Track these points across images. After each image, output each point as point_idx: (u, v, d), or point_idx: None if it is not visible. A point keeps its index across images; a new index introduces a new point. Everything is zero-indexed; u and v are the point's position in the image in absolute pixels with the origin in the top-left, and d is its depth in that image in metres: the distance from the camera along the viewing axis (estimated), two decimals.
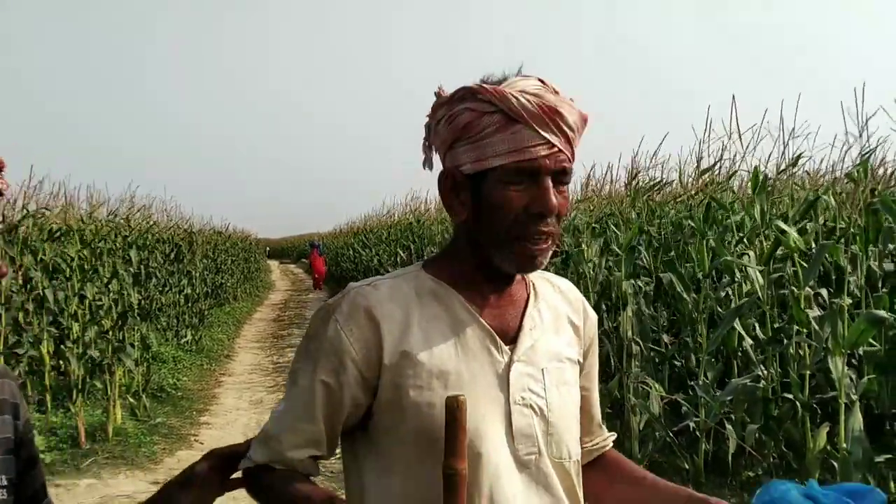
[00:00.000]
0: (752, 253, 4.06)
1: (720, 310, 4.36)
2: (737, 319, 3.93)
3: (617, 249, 4.88)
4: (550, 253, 1.19)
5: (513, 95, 1.12)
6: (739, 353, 4.21)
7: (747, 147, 4.28)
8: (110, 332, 6.36)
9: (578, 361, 1.27)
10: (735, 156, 4.47)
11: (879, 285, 3.84)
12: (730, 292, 4.35)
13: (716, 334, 3.93)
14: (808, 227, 4.13)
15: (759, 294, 3.82)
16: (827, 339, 3.30)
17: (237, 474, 1.23)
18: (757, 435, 3.74)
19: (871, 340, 3.40)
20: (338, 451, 1.25)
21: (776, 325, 3.89)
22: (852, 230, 3.79)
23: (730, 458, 3.94)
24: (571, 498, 1.20)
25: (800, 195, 4.88)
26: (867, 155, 3.81)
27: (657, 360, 4.60)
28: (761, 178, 4.00)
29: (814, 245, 3.71)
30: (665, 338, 4.80)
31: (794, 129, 4.09)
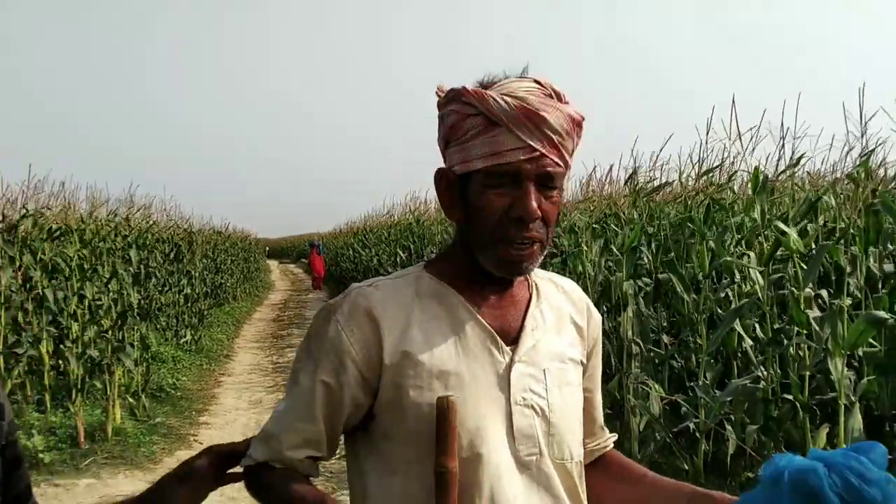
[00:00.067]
0: (752, 254, 4.06)
1: (720, 311, 4.36)
2: (737, 320, 3.93)
3: (616, 250, 4.88)
4: (539, 258, 1.18)
5: (493, 98, 1.12)
6: (739, 354, 4.21)
7: (747, 148, 4.28)
8: (110, 332, 6.36)
9: (581, 362, 1.27)
10: (735, 156, 4.47)
11: (879, 286, 3.84)
12: (730, 293, 4.35)
13: (716, 335, 3.93)
14: (808, 228, 4.13)
15: (759, 295, 3.82)
16: (827, 339, 3.30)
17: (235, 470, 1.23)
18: (756, 436, 3.73)
19: (870, 341, 3.40)
20: (341, 451, 1.25)
21: (776, 326, 3.89)
22: (852, 231, 3.79)
23: (729, 458, 3.94)
24: (573, 499, 1.20)
25: (800, 196, 4.88)
26: (867, 156, 3.81)
27: (657, 360, 4.60)
28: (761, 178, 4.00)
29: (814, 246, 3.71)
30: (665, 338, 4.80)
31: (794, 129, 4.08)
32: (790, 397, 3.65)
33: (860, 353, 3.57)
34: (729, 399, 3.79)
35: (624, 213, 5.45)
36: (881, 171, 4.50)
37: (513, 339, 1.19)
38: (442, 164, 1.22)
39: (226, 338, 11.31)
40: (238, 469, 1.22)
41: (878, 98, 3.63)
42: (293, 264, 39.28)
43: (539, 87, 1.15)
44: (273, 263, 36.84)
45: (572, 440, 1.20)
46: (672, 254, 4.85)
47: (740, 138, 4.28)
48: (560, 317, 1.26)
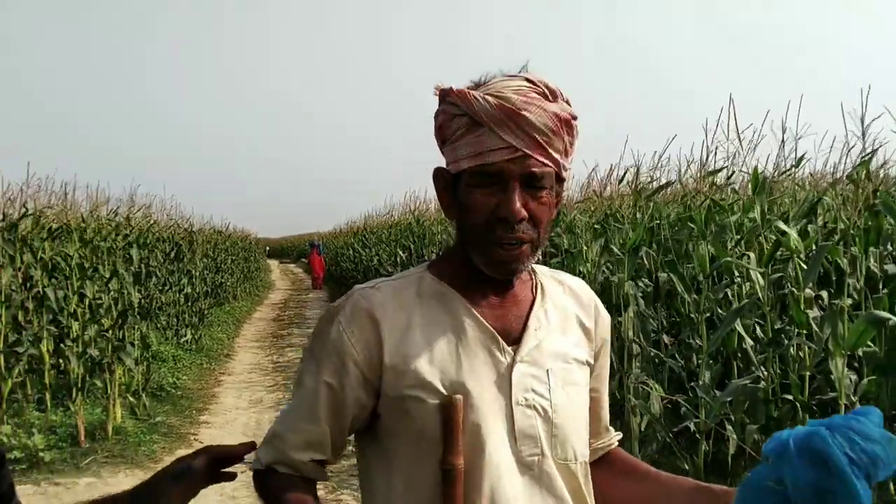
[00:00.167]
0: (751, 254, 4.06)
1: (720, 311, 4.36)
2: (737, 320, 3.93)
3: (617, 251, 4.88)
4: (531, 258, 1.17)
5: (475, 98, 1.11)
6: (739, 355, 4.21)
7: (748, 148, 4.28)
8: (110, 331, 6.36)
9: (587, 362, 1.26)
10: (735, 156, 4.47)
11: (880, 287, 3.84)
12: (729, 294, 4.35)
13: (716, 335, 3.93)
14: (808, 228, 4.13)
15: (760, 295, 3.82)
16: (827, 340, 3.30)
17: (234, 468, 1.24)
18: (757, 436, 3.73)
19: (869, 342, 3.40)
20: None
21: (776, 327, 3.89)
22: (852, 231, 3.79)
23: (730, 458, 3.94)
24: (578, 500, 1.19)
25: (800, 196, 4.88)
26: (868, 156, 3.81)
27: (657, 360, 4.61)
28: (761, 178, 4.00)
29: (814, 247, 3.71)
30: (665, 339, 4.80)
31: (796, 130, 4.09)
32: (790, 397, 3.66)
33: (860, 354, 3.58)
34: (729, 399, 3.80)
35: (625, 214, 5.45)
36: (881, 172, 4.51)
37: (515, 339, 1.18)
38: (441, 163, 1.22)
39: (226, 337, 11.31)
40: (231, 469, 1.22)
41: (877, 98, 3.64)
42: (293, 264, 39.29)
43: (530, 85, 1.14)
44: (273, 263, 36.86)
45: (576, 441, 1.20)
46: (672, 254, 4.85)
47: (740, 138, 4.28)
48: (566, 317, 1.25)
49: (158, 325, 9.05)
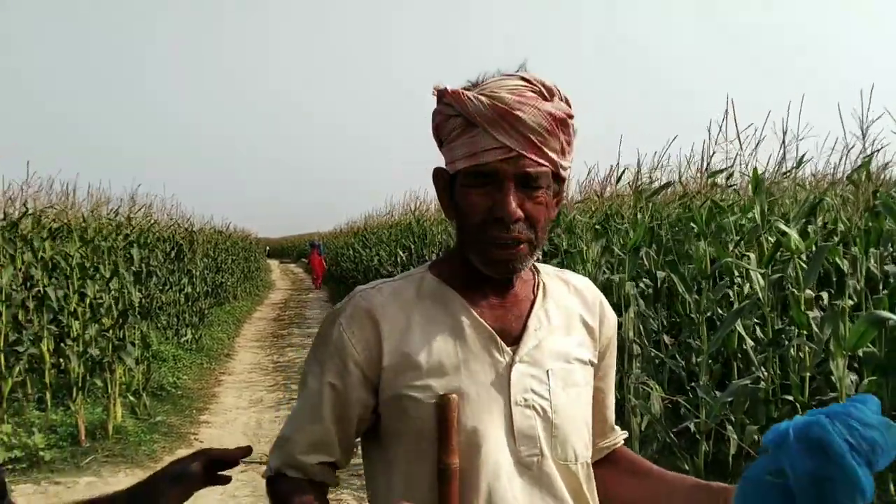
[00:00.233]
0: (752, 255, 4.06)
1: (720, 311, 4.36)
2: (738, 321, 3.93)
3: (619, 251, 4.88)
4: (528, 258, 1.16)
5: (468, 98, 1.11)
6: (739, 355, 4.21)
7: (748, 149, 4.28)
8: (111, 331, 6.37)
9: (591, 362, 1.25)
10: (736, 157, 4.47)
11: (880, 287, 3.84)
12: (730, 294, 4.35)
13: (716, 336, 3.93)
14: (808, 229, 4.13)
15: (760, 296, 3.82)
16: (828, 340, 3.30)
17: (230, 471, 1.25)
18: (757, 436, 3.73)
19: (870, 342, 3.40)
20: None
21: (777, 327, 3.90)
22: (852, 232, 3.79)
23: (730, 459, 3.94)
24: (579, 501, 1.19)
25: (801, 196, 4.88)
26: (869, 157, 3.81)
27: (657, 361, 4.61)
28: (761, 179, 4.00)
29: (813, 247, 3.71)
30: (665, 339, 4.80)
31: (798, 131, 4.09)
32: (791, 398, 3.66)
33: (860, 354, 3.58)
34: (729, 399, 3.80)
35: (625, 215, 5.45)
36: (884, 174, 4.51)
37: (514, 339, 1.18)
38: (441, 163, 1.22)
39: (226, 337, 11.32)
40: (226, 473, 1.23)
41: (877, 98, 3.64)
42: (293, 264, 39.30)
43: (526, 84, 1.13)
44: (273, 263, 36.89)
45: (577, 441, 1.19)
46: (673, 254, 4.85)
47: (740, 139, 4.28)
48: (569, 316, 1.24)
49: (159, 325, 9.06)
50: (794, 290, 3.58)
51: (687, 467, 3.94)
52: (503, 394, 1.14)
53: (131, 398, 6.40)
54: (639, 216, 5.05)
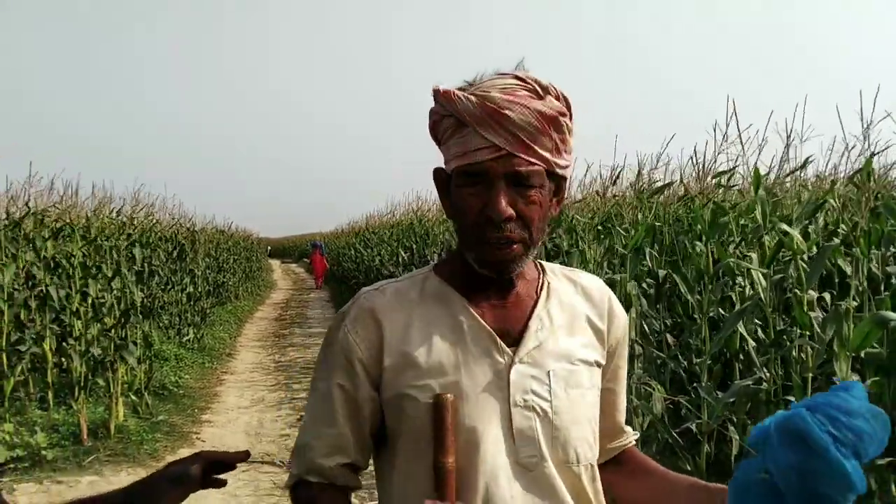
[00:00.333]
0: (753, 255, 4.06)
1: (722, 312, 4.35)
2: (740, 322, 3.93)
3: (622, 249, 4.88)
4: (524, 258, 1.16)
5: (459, 98, 1.11)
6: (741, 356, 4.21)
7: (749, 149, 4.28)
8: (113, 330, 6.38)
9: (597, 363, 1.23)
10: (738, 158, 4.47)
11: (881, 288, 3.84)
12: (733, 296, 4.35)
13: (718, 336, 3.93)
14: (809, 230, 4.13)
15: (762, 296, 3.82)
16: (831, 341, 3.29)
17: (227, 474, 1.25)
18: None
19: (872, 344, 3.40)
20: None
21: (778, 328, 3.89)
22: (855, 233, 3.78)
23: (732, 459, 3.94)
24: (581, 502, 1.18)
25: (804, 197, 4.87)
26: (870, 158, 3.80)
27: (659, 361, 4.61)
28: (762, 179, 4.00)
29: (815, 248, 3.71)
30: (668, 338, 4.80)
31: (801, 131, 4.09)
32: (792, 399, 3.65)
33: (862, 355, 3.57)
34: (731, 400, 3.79)
35: (625, 215, 5.45)
36: (889, 175, 4.50)
37: (515, 339, 1.18)
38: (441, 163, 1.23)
39: (228, 336, 11.33)
40: (222, 476, 1.23)
41: (878, 98, 3.64)
42: (295, 264, 39.33)
43: (519, 82, 1.13)
44: (275, 263, 36.92)
45: (580, 443, 1.18)
46: (678, 254, 4.85)
47: (741, 140, 4.28)
48: (574, 316, 1.23)
49: (161, 324, 9.07)
50: (796, 290, 3.58)
51: (688, 468, 3.94)
52: (502, 394, 1.14)
53: (133, 397, 6.41)
54: (639, 216, 5.05)
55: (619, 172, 5.45)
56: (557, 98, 1.15)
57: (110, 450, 5.39)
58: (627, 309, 4.57)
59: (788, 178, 4.69)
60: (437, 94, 1.15)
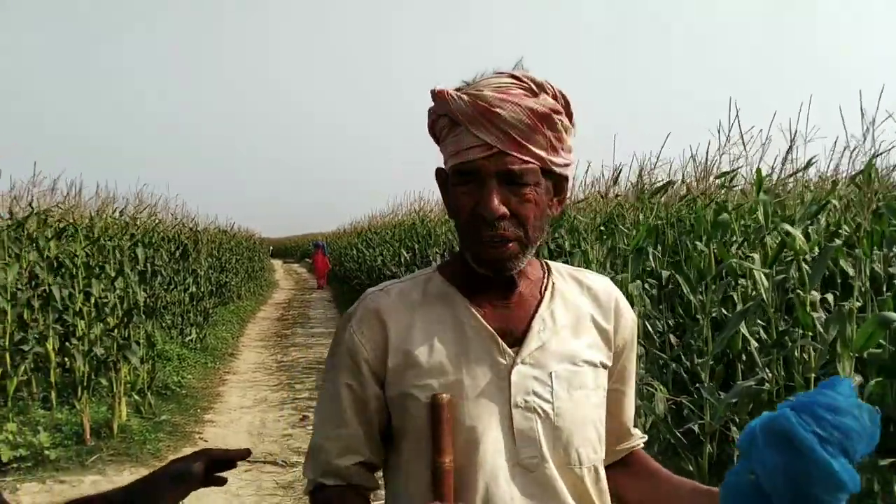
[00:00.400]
0: (756, 255, 4.06)
1: (725, 312, 4.35)
2: (742, 322, 3.92)
3: (625, 248, 4.88)
4: (522, 257, 1.15)
5: (451, 98, 1.12)
6: (744, 356, 4.20)
7: (752, 150, 4.28)
8: (116, 330, 6.39)
9: (603, 364, 1.22)
10: (740, 158, 4.47)
11: (884, 289, 3.83)
12: (735, 297, 4.34)
13: (721, 337, 3.93)
14: (810, 230, 4.13)
15: (764, 297, 3.82)
16: (834, 342, 3.29)
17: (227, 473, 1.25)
18: None
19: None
20: None
21: (781, 329, 3.89)
22: (859, 234, 3.78)
23: (734, 460, 3.94)
24: None
25: (807, 198, 4.87)
26: (872, 159, 3.80)
27: (661, 361, 4.60)
28: (765, 180, 4.00)
29: (817, 249, 3.71)
30: (671, 339, 4.79)
31: (805, 132, 4.08)
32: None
33: (864, 356, 3.57)
34: (734, 401, 3.79)
35: (626, 215, 5.45)
36: (886, 174, 4.50)
37: (517, 340, 1.17)
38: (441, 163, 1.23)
39: (230, 336, 11.33)
40: (225, 474, 1.23)
41: (880, 99, 3.63)
42: (297, 264, 39.36)
43: (514, 81, 1.13)
44: (277, 263, 36.95)
45: (582, 445, 1.17)
46: (680, 255, 4.85)
47: (743, 141, 4.28)
48: (579, 317, 1.22)
49: (163, 324, 9.08)
50: (798, 291, 3.58)
51: (691, 468, 3.94)
52: (503, 395, 1.14)
53: (136, 397, 6.42)
54: (641, 216, 5.05)
55: (620, 172, 5.46)
56: (554, 96, 1.14)
57: (113, 449, 5.40)
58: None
59: (791, 179, 4.69)
60: (434, 94, 1.16)
